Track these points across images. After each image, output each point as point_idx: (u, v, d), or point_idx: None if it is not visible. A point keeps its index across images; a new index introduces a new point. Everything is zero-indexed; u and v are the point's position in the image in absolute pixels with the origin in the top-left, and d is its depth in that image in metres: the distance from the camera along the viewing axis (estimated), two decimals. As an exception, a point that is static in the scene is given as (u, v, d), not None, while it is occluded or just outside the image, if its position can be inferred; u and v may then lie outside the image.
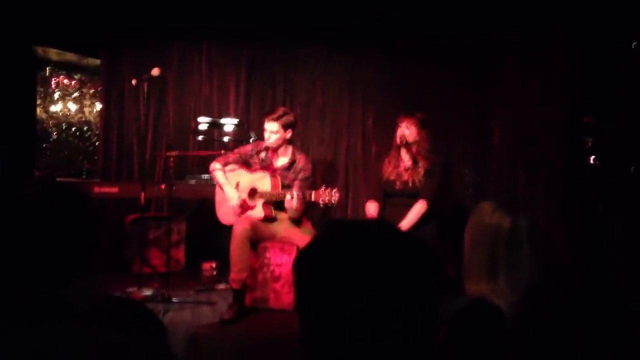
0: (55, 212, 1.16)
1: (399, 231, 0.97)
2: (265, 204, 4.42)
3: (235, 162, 4.64)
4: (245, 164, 4.64)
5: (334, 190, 4.12)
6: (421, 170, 4.47)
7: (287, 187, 4.47)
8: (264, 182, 4.43)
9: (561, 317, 1.00)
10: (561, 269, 1.11)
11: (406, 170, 4.52)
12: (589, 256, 5.03)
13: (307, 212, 4.74)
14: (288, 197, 4.18)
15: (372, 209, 4.57)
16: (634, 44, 5.07)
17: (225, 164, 4.63)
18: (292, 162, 4.56)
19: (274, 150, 4.54)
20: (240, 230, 4.18)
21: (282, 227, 4.49)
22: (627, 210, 4.91)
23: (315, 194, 4.13)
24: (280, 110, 4.49)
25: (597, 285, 1.04)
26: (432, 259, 0.95)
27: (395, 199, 4.54)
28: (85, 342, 1.05)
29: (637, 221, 4.81)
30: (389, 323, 0.87)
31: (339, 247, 0.91)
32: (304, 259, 0.94)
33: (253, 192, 4.46)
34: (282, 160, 4.59)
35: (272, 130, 4.43)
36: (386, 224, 0.98)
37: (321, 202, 4.12)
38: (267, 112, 4.54)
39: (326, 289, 0.89)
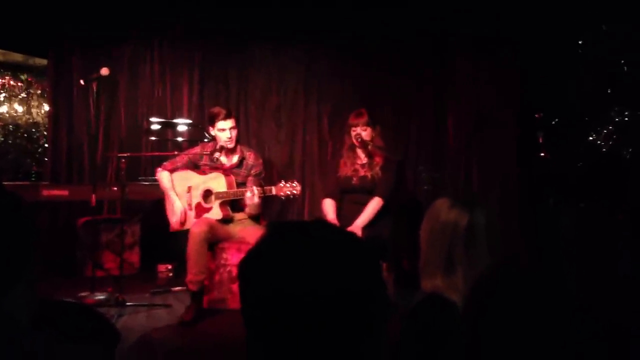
0: None
1: (339, 230, 0.97)
2: (222, 205, 4.38)
3: (184, 165, 4.57)
4: (194, 166, 4.58)
5: (294, 183, 4.15)
6: (377, 166, 4.48)
7: (241, 184, 4.45)
8: (218, 183, 4.38)
9: (509, 310, 1.01)
10: (512, 263, 1.11)
11: (362, 166, 4.53)
12: (541, 250, 5.13)
13: (265, 210, 4.71)
14: (248, 194, 4.18)
15: (329, 206, 4.56)
16: (581, 42, 5.20)
17: (173, 170, 4.55)
18: (241, 159, 4.55)
19: (229, 149, 4.49)
20: (197, 232, 4.14)
21: (239, 227, 4.46)
22: (577, 204, 5.03)
23: (276, 188, 4.18)
24: (225, 109, 4.46)
25: (548, 279, 1.05)
26: (374, 255, 0.96)
27: (353, 195, 4.53)
28: (23, 356, 0.99)
29: (586, 215, 4.94)
30: (336, 321, 0.87)
31: (281, 249, 0.91)
32: (247, 263, 0.92)
33: (208, 194, 4.41)
34: (231, 159, 4.57)
35: (232, 127, 4.41)
36: (326, 224, 0.99)
37: (283, 195, 4.15)
38: (213, 115, 4.44)
39: (270, 291, 0.88)
